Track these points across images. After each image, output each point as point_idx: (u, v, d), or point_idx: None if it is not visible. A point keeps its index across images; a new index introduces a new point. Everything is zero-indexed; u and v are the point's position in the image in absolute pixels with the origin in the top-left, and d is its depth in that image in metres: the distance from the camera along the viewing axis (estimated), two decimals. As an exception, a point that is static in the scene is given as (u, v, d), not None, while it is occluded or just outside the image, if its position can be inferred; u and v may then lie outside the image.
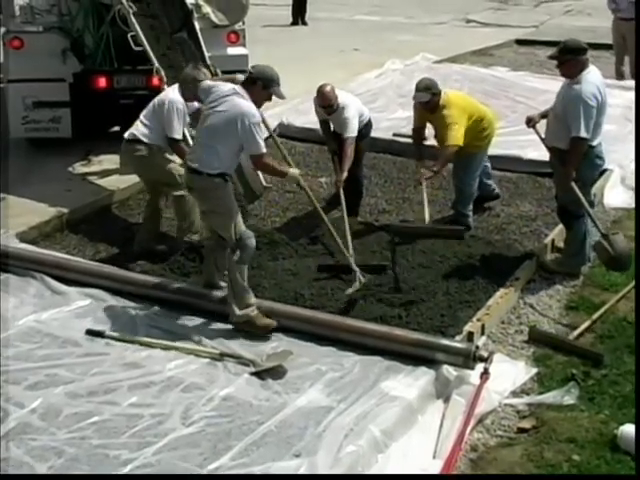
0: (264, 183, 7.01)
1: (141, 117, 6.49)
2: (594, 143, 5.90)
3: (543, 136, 6.18)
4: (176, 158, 6.45)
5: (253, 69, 5.33)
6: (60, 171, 8.18)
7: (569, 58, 5.87)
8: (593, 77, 5.88)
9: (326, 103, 6.93)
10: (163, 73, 7.31)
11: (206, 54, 7.73)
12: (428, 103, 6.75)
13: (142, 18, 7.69)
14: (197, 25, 8.07)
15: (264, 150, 5.22)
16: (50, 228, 7.04)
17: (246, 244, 5.23)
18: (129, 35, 7.63)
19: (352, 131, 6.89)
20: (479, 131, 6.91)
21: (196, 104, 6.09)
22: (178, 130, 6.30)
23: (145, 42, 7.43)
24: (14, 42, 8.45)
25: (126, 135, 6.50)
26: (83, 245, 6.84)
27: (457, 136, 6.63)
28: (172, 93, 6.35)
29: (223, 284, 5.55)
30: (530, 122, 6.22)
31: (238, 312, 5.22)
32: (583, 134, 5.72)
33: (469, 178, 7.05)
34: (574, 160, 5.85)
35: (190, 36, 7.99)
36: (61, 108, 8.55)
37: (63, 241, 6.92)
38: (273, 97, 5.38)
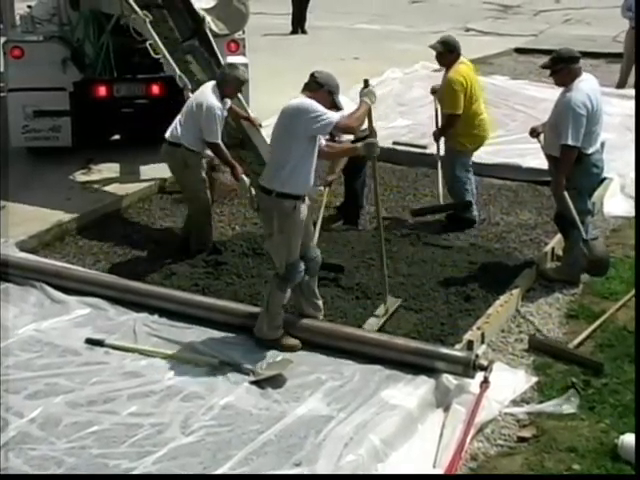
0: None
1: (179, 118, 6.55)
2: (589, 151, 5.91)
3: None
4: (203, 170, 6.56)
5: (319, 74, 5.15)
6: (60, 180, 8.18)
7: (561, 67, 5.90)
8: (586, 85, 5.90)
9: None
10: (187, 79, 7.33)
11: (222, 60, 7.78)
12: (441, 55, 7.05)
13: (155, 27, 7.69)
14: (209, 33, 8.12)
15: None
16: (50, 237, 7.04)
17: (295, 276, 5.15)
18: (147, 43, 7.62)
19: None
20: (469, 125, 7.02)
21: (228, 101, 6.25)
22: (217, 134, 6.34)
23: (164, 50, 7.44)
24: (14, 51, 8.47)
25: (166, 135, 6.58)
26: (83, 254, 6.84)
27: (456, 104, 6.88)
28: (210, 97, 6.33)
29: (314, 312, 5.44)
30: (533, 132, 6.26)
31: (266, 332, 5.18)
32: (571, 142, 5.74)
33: (453, 172, 7.17)
34: (563, 168, 5.87)
35: (202, 44, 8.03)
36: (61, 117, 8.56)
37: (63, 250, 6.92)
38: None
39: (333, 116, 4.95)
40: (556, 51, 6.01)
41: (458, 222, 7.24)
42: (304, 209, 5.07)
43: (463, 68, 7.08)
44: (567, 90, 5.89)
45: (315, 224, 6.14)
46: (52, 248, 6.94)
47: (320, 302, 5.48)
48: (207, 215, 6.68)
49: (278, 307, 5.18)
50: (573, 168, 5.87)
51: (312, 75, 5.14)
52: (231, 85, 6.37)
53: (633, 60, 11.82)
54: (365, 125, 5.43)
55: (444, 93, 7.08)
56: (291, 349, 5.17)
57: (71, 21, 8.88)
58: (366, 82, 5.31)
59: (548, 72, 6.13)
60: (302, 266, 5.16)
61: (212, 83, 6.44)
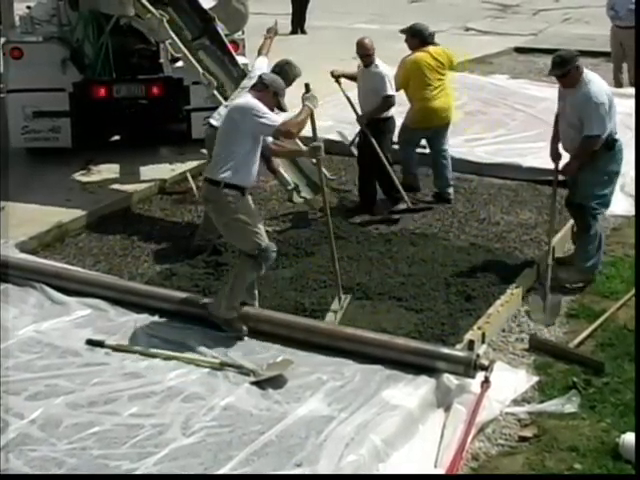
0: (328, 175, 7.40)
1: (224, 104, 6.70)
2: (617, 136, 6.02)
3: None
4: None
5: (266, 76, 5.45)
6: (60, 181, 8.18)
7: (569, 68, 5.89)
8: (593, 76, 5.95)
9: (364, 52, 7.30)
10: (212, 78, 7.33)
11: (236, 58, 7.79)
12: (406, 40, 7.66)
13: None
14: (220, 31, 8.14)
15: None
16: (50, 238, 7.03)
17: (269, 256, 5.28)
18: (167, 43, 7.62)
19: (387, 89, 7.20)
20: (421, 108, 7.55)
21: None
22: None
23: (184, 49, 7.45)
24: (14, 52, 8.47)
25: (210, 120, 6.71)
26: (83, 255, 6.83)
27: (396, 83, 7.46)
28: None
29: (251, 301, 5.54)
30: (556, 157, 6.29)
31: (222, 310, 5.30)
32: (596, 132, 5.82)
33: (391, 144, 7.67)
34: (582, 154, 5.95)
35: (213, 42, 8.04)
36: (61, 118, 8.55)
37: (63, 251, 6.91)
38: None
39: (276, 120, 5.20)
40: (557, 56, 5.97)
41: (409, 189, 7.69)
42: (250, 200, 5.33)
43: (421, 54, 7.53)
44: (579, 87, 5.89)
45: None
46: (52, 249, 6.93)
47: (256, 291, 5.58)
48: None
49: (242, 289, 5.32)
50: (604, 155, 5.94)
51: (260, 77, 5.45)
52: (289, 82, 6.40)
53: (620, 58, 11.85)
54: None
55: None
56: (238, 331, 5.29)
57: (70, 22, 8.88)
58: (307, 86, 5.55)
59: (547, 71, 6.13)
60: (274, 246, 5.33)
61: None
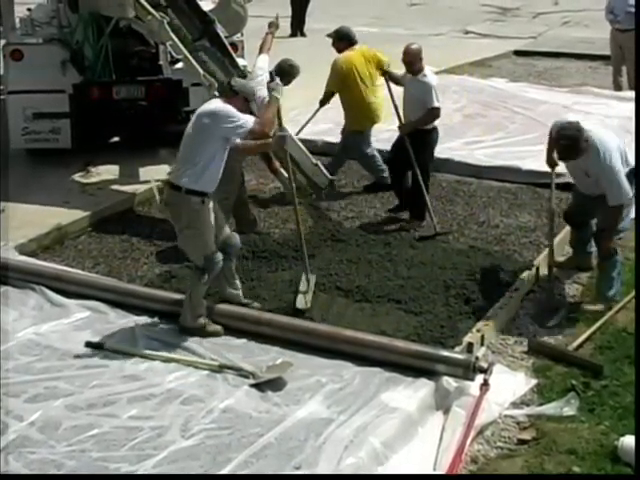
0: (329, 176, 7.47)
1: None
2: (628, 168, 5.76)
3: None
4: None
5: (235, 82, 5.51)
6: (59, 183, 8.18)
7: (581, 147, 5.62)
8: (599, 133, 5.71)
9: (407, 59, 7.17)
10: (213, 80, 7.34)
11: (236, 60, 7.82)
12: (333, 43, 8.00)
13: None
14: (221, 33, 8.15)
15: None
16: (49, 240, 7.03)
17: (214, 267, 5.34)
18: (168, 44, 7.63)
19: (433, 100, 7.02)
20: (361, 108, 7.73)
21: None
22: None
23: (185, 50, 7.46)
24: (14, 54, 8.49)
25: None
26: (82, 257, 6.83)
27: (329, 82, 7.87)
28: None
29: (235, 292, 5.70)
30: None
31: (190, 320, 5.36)
32: (624, 200, 5.61)
33: (362, 152, 8.04)
34: (615, 224, 5.77)
35: (213, 44, 8.05)
36: (61, 119, 8.57)
37: (62, 253, 6.91)
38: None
39: (248, 122, 5.25)
40: (565, 137, 5.64)
41: (376, 188, 7.96)
42: (211, 205, 5.31)
43: (351, 53, 7.80)
44: (588, 154, 5.62)
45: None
46: (51, 251, 6.93)
47: (238, 281, 5.74)
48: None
49: (200, 298, 5.38)
50: (630, 186, 5.69)
51: (229, 82, 5.55)
52: (286, 80, 6.57)
53: (620, 61, 11.86)
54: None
55: None
56: (214, 335, 5.35)
57: (70, 24, 8.89)
58: (272, 74, 5.59)
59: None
60: (219, 257, 5.35)
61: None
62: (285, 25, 17.10)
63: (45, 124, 8.55)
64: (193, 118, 5.34)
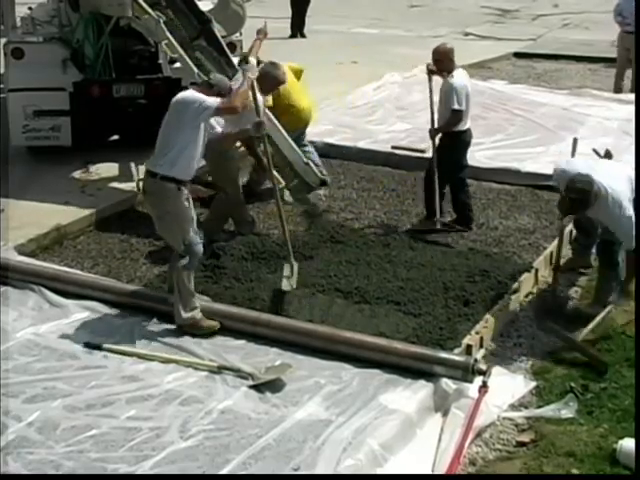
0: (319, 175, 7.50)
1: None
2: None
3: None
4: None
5: (213, 77, 5.67)
6: (59, 183, 8.17)
7: (583, 208, 5.47)
8: (609, 182, 5.42)
9: (435, 58, 7.06)
10: (204, 77, 7.35)
11: (232, 59, 7.82)
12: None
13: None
14: (218, 33, 8.17)
15: None
16: (48, 240, 7.02)
17: (194, 250, 5.37)
18: (163, 43, 7.65)
19: (454, 102, 6.86)
20: (289, 112, 7.57)
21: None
22: None
23: (180, 49, 7.49)
24: (15, 52, 8.52)
25: None
26: (81, 257, 6.82)
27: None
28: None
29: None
30: None
31: (184, 315, 5.35)
32: (635, 244, 5.43)
33: None
34: (631, 272, 5.58)
35: (210, 43, 8.08)
36: (61, 117, 8.59)
37: (62, 253, 6.90)
38: None
39: (213, 102, 5.36)
40: (575, 191, 5.38)
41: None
42: (187, 194, 5.36)
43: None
44: (598, 203, 5.39)
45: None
46: (51, 252, 6.92)
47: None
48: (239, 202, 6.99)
49: (188, 288, 5.38)
50: None
51: (207, 76, 5.78)
52: (268, 83, 6.71)
53: (625, 64, 11.85)
54: None
55: None
56: (209, 329, 5.38)
57: (71, 22, 8.93)
58: (245, 57, 5.90)
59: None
60: (198, 240, 5.42)
61: None
62: (285, 26, 17.12)
63: (45, 122, 8.58)
64: (170, 106, 5.47)
